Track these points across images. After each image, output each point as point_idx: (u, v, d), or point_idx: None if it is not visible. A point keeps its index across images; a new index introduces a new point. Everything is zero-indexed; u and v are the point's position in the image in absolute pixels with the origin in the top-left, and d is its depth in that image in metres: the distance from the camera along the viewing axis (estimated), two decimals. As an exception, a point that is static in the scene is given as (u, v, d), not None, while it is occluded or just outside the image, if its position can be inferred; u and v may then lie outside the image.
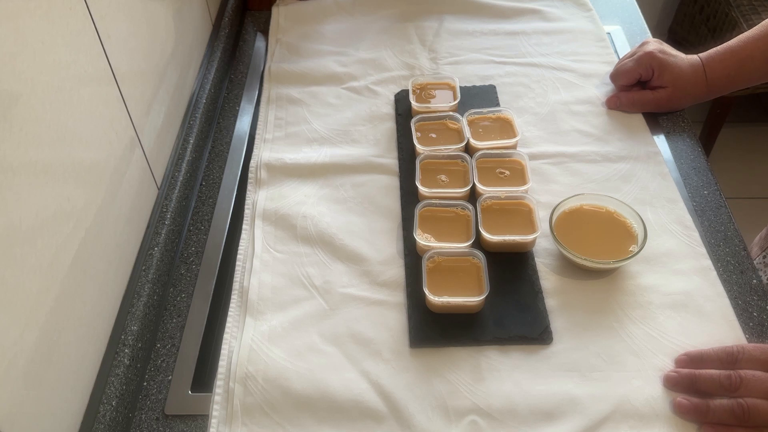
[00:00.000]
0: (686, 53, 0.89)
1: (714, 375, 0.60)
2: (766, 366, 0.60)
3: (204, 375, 0.69)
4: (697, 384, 0.61)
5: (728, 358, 0.61)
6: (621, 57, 0.95)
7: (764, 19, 0.85)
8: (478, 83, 0.96)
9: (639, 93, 0.90)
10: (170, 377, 0.67)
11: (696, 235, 0.75)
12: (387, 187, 0.82)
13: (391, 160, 0.85)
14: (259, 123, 0.92)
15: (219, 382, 0.64)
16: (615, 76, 0.92)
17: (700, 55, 0.88)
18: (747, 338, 0.66)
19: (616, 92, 0.92)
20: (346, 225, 0.77)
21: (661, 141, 0.88)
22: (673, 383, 0.62)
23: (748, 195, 1.92)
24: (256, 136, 0.90)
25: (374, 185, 0.82)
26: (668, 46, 0.89)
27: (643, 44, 0.91)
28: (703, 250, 0.73)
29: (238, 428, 0.61)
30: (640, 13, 1.13)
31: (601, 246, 0.71)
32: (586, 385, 0.62)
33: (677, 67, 0.87)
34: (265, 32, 1.10)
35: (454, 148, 0.82)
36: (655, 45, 0.89)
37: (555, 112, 0.91)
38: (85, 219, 0.60)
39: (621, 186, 0.80)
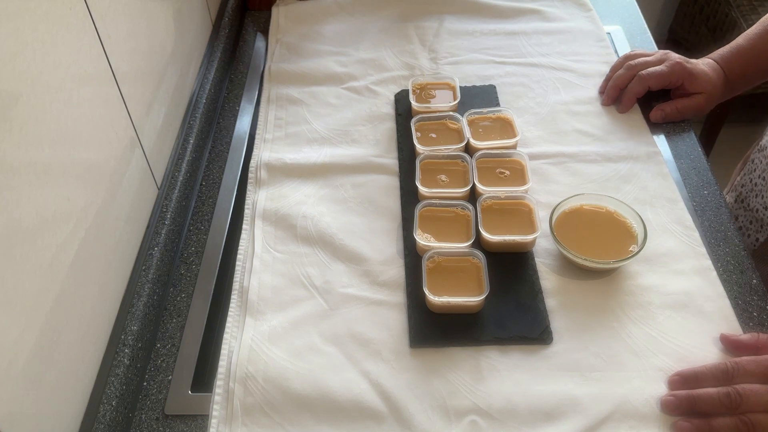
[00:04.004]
0: (686, 54, 0.89)
1: (713, 394, 0.59)
2: (762, 378, 0.59)
3: (204, 375, 0.69)
4: (696, 405, 0.59)
5: (723, 376, 0.60)
6: (634, 55, 0.93)
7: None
8: (478, 83, 0.96)
9: (680, 102, 0.89)
10: (170, 377, 0.67)
11: (696, 235, 0.75)
12: (387, 187, 0.82)
13: (391, 160, 0.85)
14: (259, 123, 0.92)
15: (219, 382, 0.64)
16: (646, 78, 0.88)
17: (712, 56, 0.89)
18: (747, 338, 0.66)
19: (658, 105, 0.89)
20: (346, 225, 0.77)
21: (661, 141, 0.88)
22: (672, 408, 0.60)
23: (748, 195, 1.91)
24: (256, 136, 0.90)
25: (374, 185, 0.82)
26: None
27: (665, 52, 0.90)
28: (703, 250, 0.73)
29: (238, 428, 0.61)
30: (640, 13, 1.13)
31: (601, 246, 0.71)
32: (586, 385, 0.62)
33: (704, 73, 0.87)
34: (265, 32, 1.10)
35: (454, 148, 0.82)
36: (677, 54, 0.89)
37: (555, 112, 0.91)
38: (85, 219, 0.60)
39: (621, 186, 0.80)
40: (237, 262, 0.75)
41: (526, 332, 0.66)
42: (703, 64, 0.89)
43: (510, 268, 0.72)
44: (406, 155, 0.85)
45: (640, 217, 0.72)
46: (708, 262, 0.72)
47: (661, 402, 0.61)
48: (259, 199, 0.81)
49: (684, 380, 0.61)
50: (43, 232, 0.53)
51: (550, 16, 1.08)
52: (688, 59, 0.89)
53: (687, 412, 0.59)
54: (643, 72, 0.89)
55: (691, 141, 0.88)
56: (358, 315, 0.69)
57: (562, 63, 0.99)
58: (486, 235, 0.71)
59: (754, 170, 0.90)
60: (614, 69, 0.93)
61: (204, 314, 0.72)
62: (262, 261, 0.74)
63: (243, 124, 0.96)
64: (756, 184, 0.89)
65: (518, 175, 0.79)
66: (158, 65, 0.80)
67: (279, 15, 1.11)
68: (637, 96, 0.89)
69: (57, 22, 0.56)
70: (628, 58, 0.93)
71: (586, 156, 0.84)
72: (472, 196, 0.78)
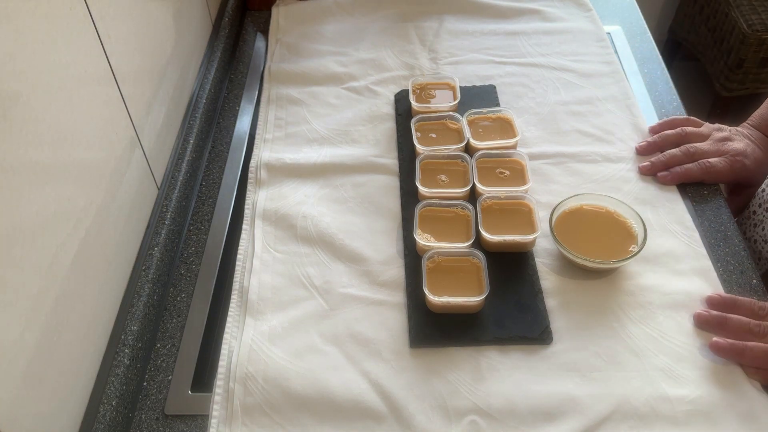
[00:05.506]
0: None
1: (744, 321, 0.64)
2: None
3: (204, 375, 0.69)
4: (726, 326, 0.64)
5: (760, 312, 0.65)
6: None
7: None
8: (478, 83, 0.96)
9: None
10: (170, 377, 0.67)
11: (696, 235, 0.75)
12: (387, 187, 0.82)
13: (391, 160, 0.85)
14: (259, 123, 0.92)
15: (219, 382, 0.64)
16: (709, 173, 0.80)
17: (754, 123, 0.83)
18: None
19: None
20: (346, 225, 0.77)
21: (661, 141, 0.88)
22: (702, 321, 0.66)
23: (748, 195, 1.91)
24: (256, 136, 0.90)
25: (374, 185, 0.82)
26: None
27: (718, 128, 0.83)
28: (703, 250, 0.73)
29: (238, 428, 0.61)
30: (640, 13, 1.13)
31: (601, 246, 0.71)
32: (586, 385, 0.62)
33: (761, 163, 0.80)
34: (265, 32, 1.10)
35: (454, 148, 0.82)
36: (727, 132, 0.82)
37: (555, 112, 0.91)
38: (85, 219, 0.60)
39: (621, 186, 0.80)
40: (237, 262, 0.75)
41: (526, 332, 0.66)
42: (755, 143, 0.81)
43: (510, 268, 0.72)
44: (406, 155, 0.85)
45: (640, 217, 0.72)
46: (708, 262, 0.72)
47: (695, 315, 0.66)
48: (259, 199, 0.81)
49: (723, 303, 0.67)
50: (43, 232, 0.53)
51: (550, 16, 1.08)
52: (742, 151, 0.80)
53: (715, 329, 0.65)
54: (707, 165, 0.79)
55: (691, 141, 0.88)
56: (358, 315, 0.69)
57: (562, 63, 0.99)
58: (486, 235, 0.71)
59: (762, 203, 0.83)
60: (666, 139, 0.83)
61: (204, 314, 0.72)
62: (262, 261, 0.74)
63: (243, 124, 0.96)
64: (755, 212, 0.82)
65: (518, 175, 0.79)
66: (158, 65, 0.80)
67: (279, 15, 1.11)
68: (691, 180, 0.80)
69: (57, 22, 0.56)
70: (682, 136, 0.83)
71: (586, 156, 0.84)
72: (472, 196, 0.78)
